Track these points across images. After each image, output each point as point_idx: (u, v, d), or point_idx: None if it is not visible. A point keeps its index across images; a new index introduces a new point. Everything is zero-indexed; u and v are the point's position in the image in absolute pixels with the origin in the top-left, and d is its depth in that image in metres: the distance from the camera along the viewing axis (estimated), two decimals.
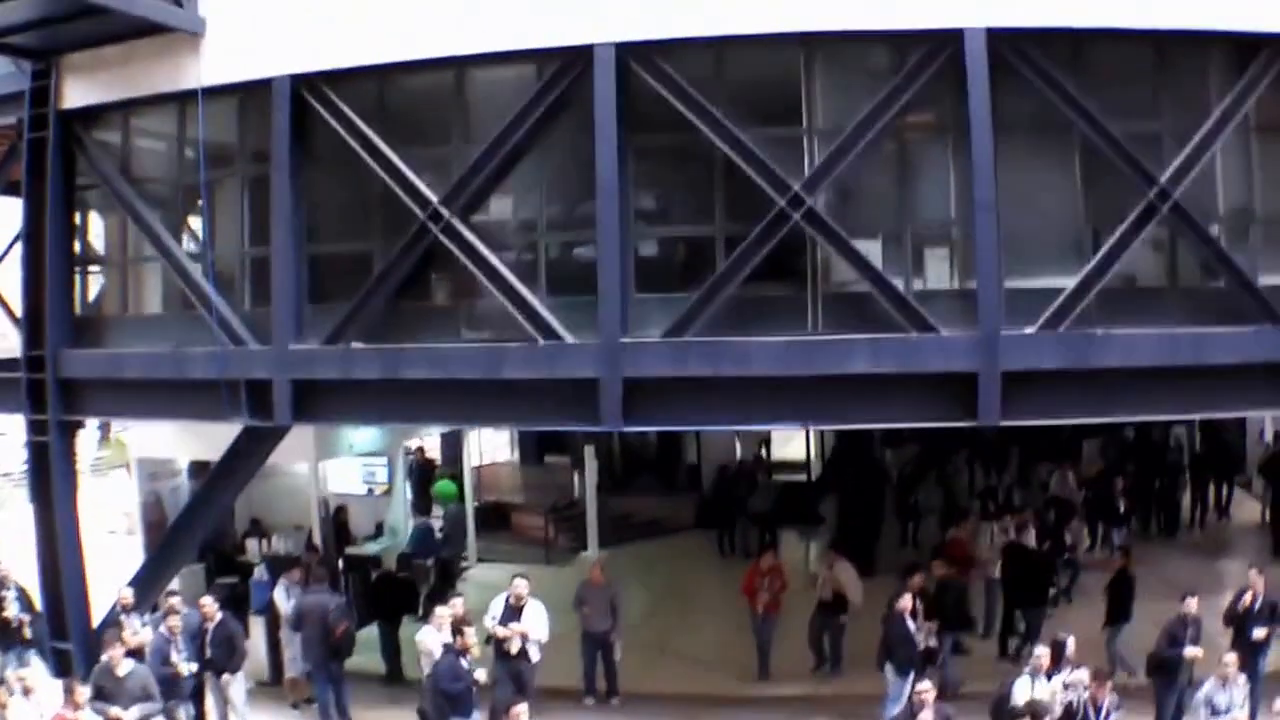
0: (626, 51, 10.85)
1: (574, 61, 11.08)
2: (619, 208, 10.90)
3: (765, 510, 21.27)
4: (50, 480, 14.55)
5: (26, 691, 11.43)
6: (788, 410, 10.91)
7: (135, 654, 12.45)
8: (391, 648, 15.39)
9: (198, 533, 15.19)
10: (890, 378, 10.27)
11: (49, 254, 14.16)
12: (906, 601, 12.60)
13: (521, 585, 12.91)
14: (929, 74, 10.26)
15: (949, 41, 10.14)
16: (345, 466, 20.28)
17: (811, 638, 14.76)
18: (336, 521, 19.14)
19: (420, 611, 15.34)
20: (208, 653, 12.93)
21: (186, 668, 12.55)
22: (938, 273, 11.00)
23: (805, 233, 10.50)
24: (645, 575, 18.28)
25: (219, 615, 13.05)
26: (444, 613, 12.57)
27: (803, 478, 24.17)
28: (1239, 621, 12.34)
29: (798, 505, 21.03)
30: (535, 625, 12.73)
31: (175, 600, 13.31)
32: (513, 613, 12.82)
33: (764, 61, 11.21)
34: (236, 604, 15.91)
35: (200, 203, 13.65)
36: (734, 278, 10.65)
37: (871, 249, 10.71)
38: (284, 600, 14.74)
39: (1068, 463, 21.12)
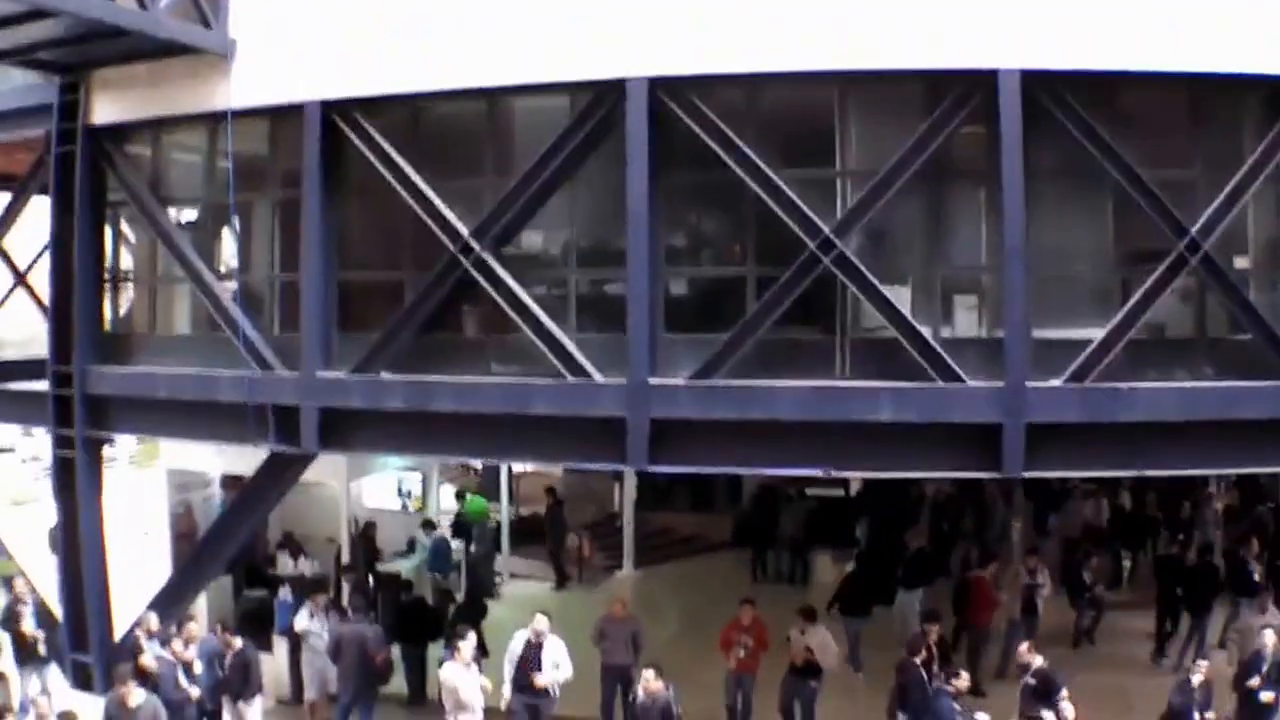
0: (659, 86, 11.39)
1: (607, 95, 11.64)
2: (649, 245, 11.48)
3: (797, 533, 22.09)
4: (74, 494, 15.32)
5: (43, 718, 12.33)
6: (813, 456, 11.44)
7: (150, 678, 13.42)
8: (417, 672, 16.25)
9: (225, 551, 15.81)
10: (915, 426, 10.75)
11: (77, 269, 14.94)
12: (923, 651, 13.34)
13: (542, 622, 13.73)
14: (962, 116, 10.74)
15: (982, 83, 10.57)
16: (381, 481, 21.26)
17: (781, 704, 14.94)
18: (364, 537, 19.96)
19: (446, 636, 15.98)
20: (224, 678, 13.92)
21: (195, 693, 13.53)
22: (966, 321, 11.54)
23: (835, 277, 11.01)
24: (676, 598, 18.92)
25: (237, 643, 14.00)
26: (465, 646, 13.36)
27: (840, 494, 24.54)
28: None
29: (831, 527, 21.59)
30: (559, 670, 13.58)
31: (192, 625, 14.46)
32: (534, 649, 13.60)
33: (797, 100, 11.77)
34: (260, 620, 17.01)
35: (230, 223, 14.47)
36: (764, 321, 11.18)
37: (901, 295, 11.20)
38: (306, 624, 15.66)
39: (1102, 491, 21.89)
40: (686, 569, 22.31)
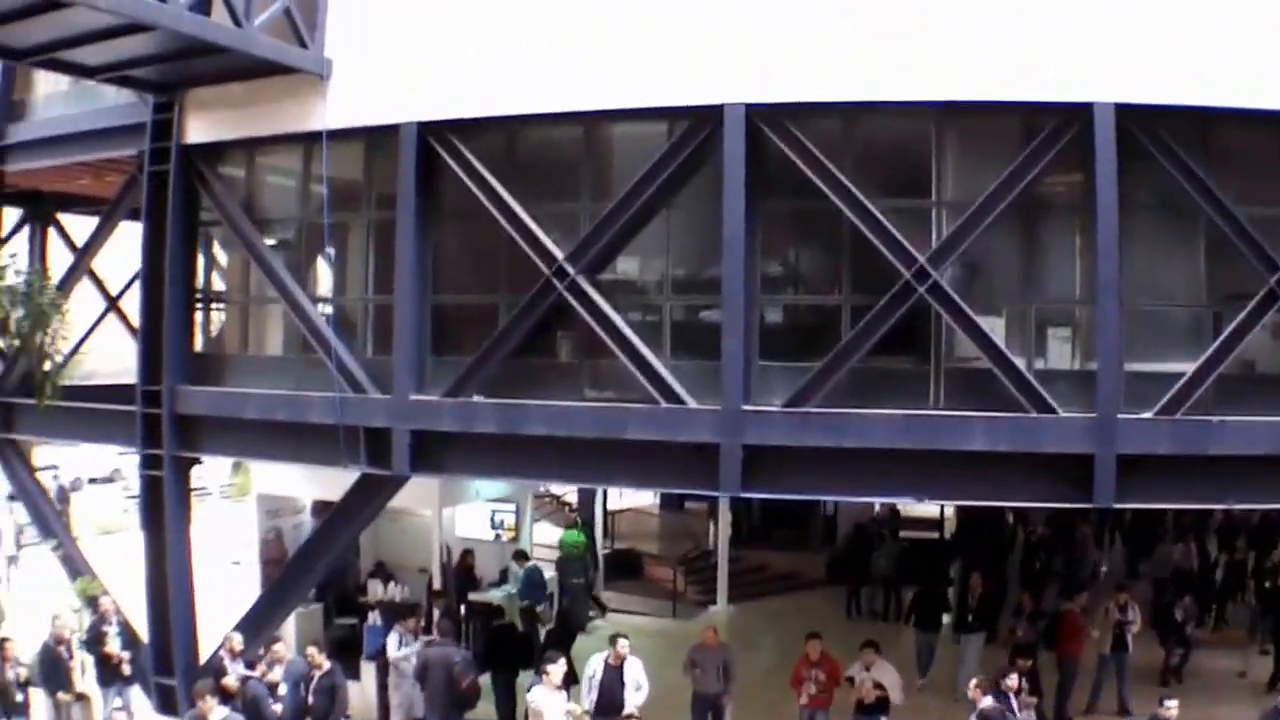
0: (756, 113, 12.56)
1: (704, 121, 12.81)
2: (745, 272, 12.65)
3: (890, 571, 23.49)
4: (162, 514, 16.90)
5: None
6: (906, 484, 12.59)
7: (231, 698, 14.79)
8: (507, 699, 17.61)
9: (313, 575, 17.27)
10: (1007, 456, 11.79)
11: (168, 288, 16.48)
12: (1013, 682, 14.56)
13: (622, 645, 15.08)
14: (1057, 149, 11.81)
15: (1077, 116, 11.64)
16: (473, 511, 22.83)
17: None
18: (462, 566, 21.53)
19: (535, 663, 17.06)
20: (310, 700, 15.10)
21: (278, 710, 14.81)
22: (1059, 352, 12.66)
23: (929, 306, 12.13)
24: (769, 633, 20.17)
25: (325, 664, 15.22)
26: (555, 671, 14.55)
27: (934, 535, 26.18)
28: None
29: (924, 567, 22.70)
30: (640, 692, 15.05)
31: (279, 647, 15.70)
32: (612, 671, 15.16)
33: (893, 129, 12.95)
34: (349, 647, 18.45)
35: (325, 244, 15.79)
36: (858, 349, 12.31)
37: (994, 325, 12.31)
38: (395, 649, 17.05)
39: (1190, 535, 23.49)
40: (780, 605, 23.63)
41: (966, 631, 19.30)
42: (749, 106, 12.66)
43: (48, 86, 19.18)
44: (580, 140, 14.19)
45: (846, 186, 12.40)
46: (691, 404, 12.95)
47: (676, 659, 16.86)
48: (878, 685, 15.69)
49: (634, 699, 15.04)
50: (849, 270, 13.22)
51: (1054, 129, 11.95)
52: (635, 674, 15.23)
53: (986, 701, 14.01)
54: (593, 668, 15.34)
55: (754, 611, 23.07)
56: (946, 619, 20.30)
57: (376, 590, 20.70)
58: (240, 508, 29.85)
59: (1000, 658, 16.96)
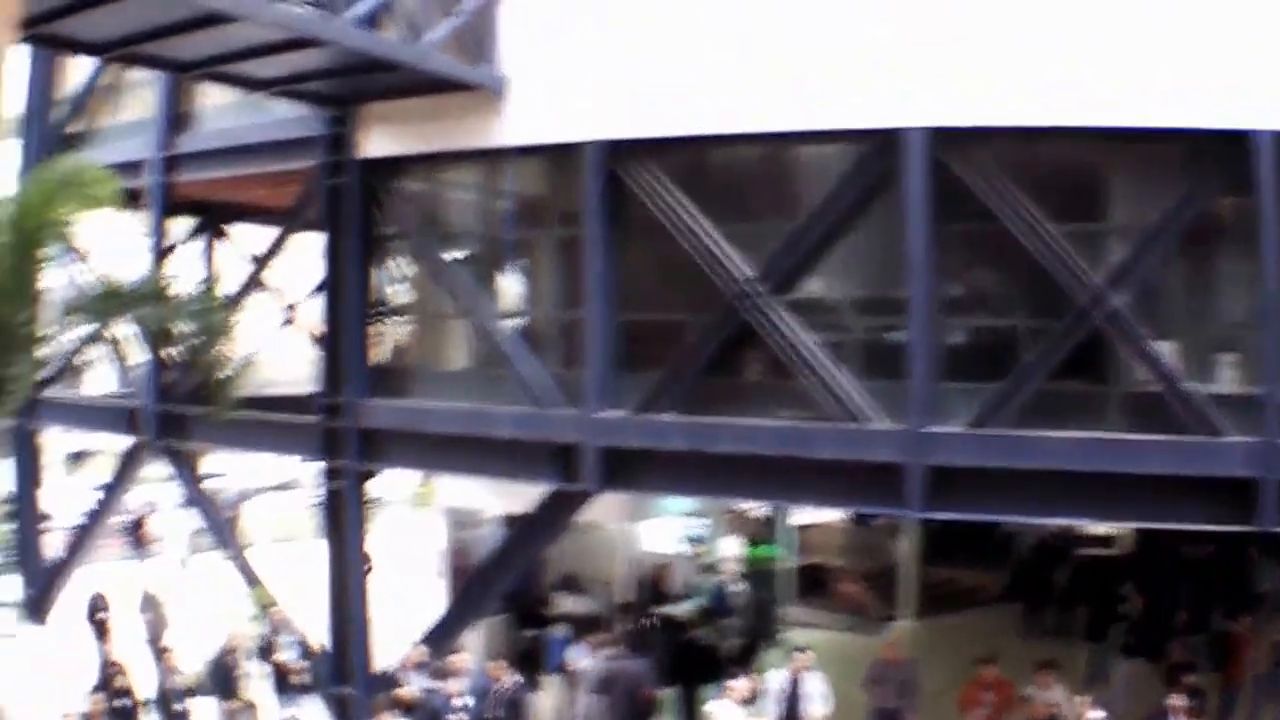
0: (936, 137, 15.24)
1: (886, 144, 15.54)
2: (928, 294, 15.43)
3: (1068, 588, 26.36)
4: (342, 525, 20.57)
5: None
6: (1084, 506, 15.19)
7: (411, 710, 17.95)
8: (687, 712, 20.74)
9: (499, 588, 20.46)
10: (1181, 480, 14.30)
11: (348, 302, 19.92)
12: (1177, 700, 16.77)
13: (803, 658, 18.22)
14: (1222, 176, 14.44)
15: (1239, 141, 14.04)
16: (662, 525, 26.54)
17: None
18: (653, 579, 25.19)
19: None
20: (491, 714, 18.03)
21: None
22: (1229, 376, 15.29)
23: (1104, 330, 14.75)
24: (951, 650, 22.31)
25: (507, 677, 18.29)
26: (738, 686, 17.41)
27: (1108, 552, 28.83)
28: None
29: (1098, 585, 25.04)
30: (820, 705, 17.98)
31: (461, 658, 18.69)
32: (792, 685, 18.05)
33: (1068, 154, 15.82)
34: (533, 659, 21.87)
35: (508, 261, 19.00)
36: (1038, 371, 15.06)
37: (1165, 349, 14.88)
38: (578, 662, 20.16)
39: None
40: (964, 621, 26.56)
41: (1124, 654, 21.71)
42: (929, 130, 15.39)
43: (215, 98, 22.73)
44: (765, 160, 17.41)
45: (1023, 210, 15.08)
46: (876, 424, 15.84)
47: (860, 674, 19.71)
48: (1051, 705, 17.83)
49: (814, 713, 17.96)
50: (1027, 293, 16.18)
51: (1219, 156, 14.50)
52: (815, 688, 18.07)
53: (1093, 715, 16.47)
54: (774, 682, 18.25)
55: (936, 627, 26.01)
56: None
57: (563, 603, 24.29)
58: (426, 517, 34.47)
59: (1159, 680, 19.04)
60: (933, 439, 15.58)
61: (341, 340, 20.54)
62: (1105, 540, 28.71)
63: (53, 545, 29.57)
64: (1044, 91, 15.02)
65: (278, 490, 44.81)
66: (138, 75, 23.96)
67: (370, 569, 22.16)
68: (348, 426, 20.41)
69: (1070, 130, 15.15)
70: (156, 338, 14.76)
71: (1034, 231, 15.17)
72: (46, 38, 17.27)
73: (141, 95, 24.51)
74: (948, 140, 15.45)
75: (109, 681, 19.36)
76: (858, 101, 15.91)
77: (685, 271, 17.40)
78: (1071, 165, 16.22)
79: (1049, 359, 15.30)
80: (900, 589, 27.67)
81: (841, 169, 16.46)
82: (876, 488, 16.08)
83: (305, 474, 42.17)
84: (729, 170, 18.18)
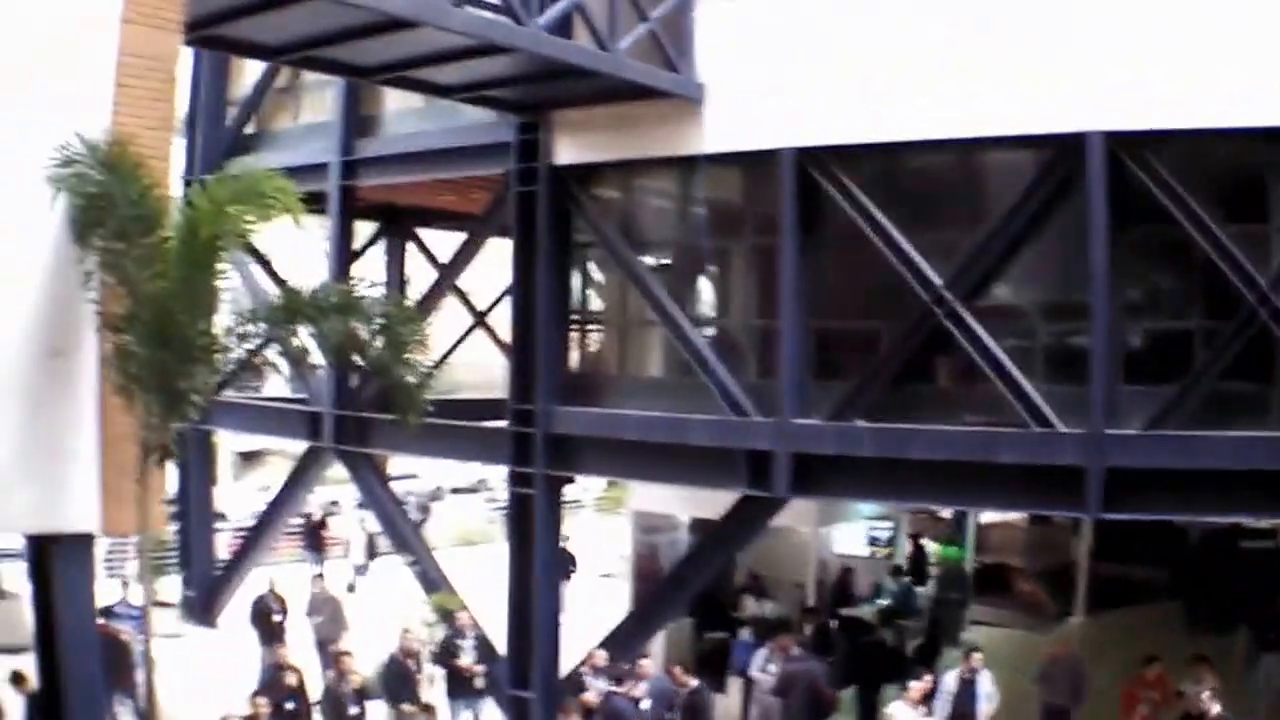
0: (1115, 141, 17.39)
1: (1067, 150, 17.80)
2: (1109, 299, 17.65)
3: (1235, 584, 28.14)
4: (529, 531, 23.48)
5: None
6: (1256, 504, 17.36)
7: (592, 714, 20.13)
8: (868, 713, 23.24)
9: (686, 594, 23.32)
10: None
11: (540, 309, 23.00)
12: None
13: (976, 658, 20.37)
14: None
15: None
16: (851, 528, 29.45)
17: None
18: (840, 582, 28.18)
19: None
20: (671, 718, 20.22)
21: None
22: None
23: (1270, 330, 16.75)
24: (1123, 645, 24.81)
25: (690, 682, 20.48)
26: (916, 688, 19.52)
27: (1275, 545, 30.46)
28: None
29: (1264, 580, 27.01)
30: (990, 703, 20.21)
31: (645, 662, 21.06)
32: (964, 684, 20.28)
33: (1236, 155, 17.94)
34: (718, 662, 24.45)
35: (704, 268, 21.59)
36: (1212, 372, 17.24)
37: None
38: (759, 666, 22.58)
39: None
40: (1138, 617, 28.48)
41: (1262, 647, 23.80)
42: (1107, 135, 17.57)
43: (399, 102, 25.73)
44: (954, 167, 20.01)
45: (1196, 212, 17.18)
46: (1061, 428, 18.02)
47: (1034, 670, 22.19)
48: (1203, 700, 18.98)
49: (984, 711, 20.21)
50: (1201, 294, 18.40)
51: None
52: (986, 686, 20.29)
53: (1217, 710, 18.22)
54: (947, 683, 20.44)
55: (1109, 623, 28.04)
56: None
57: (749, 606, 27.13)
58: (613, 521, 38.29)
59: None
60: (1112, 441, 17.77)
61: (533, 347, 23.35)
62: (1270, 534, 30.41)
63: (224, 546, 33.09)
64: (1219, 94, 17.05)
65: (470, 492, 48.24)
66: (316, 77, 27.01)
67: (574, 571, 24.98)
68: (538, 433, 23.19)
69: (1244, 131, 17.17)
70: (340, 346, 16.35)
71: (1208, 233, 17.29)
72: (218, 40, 19.61)
73: (320, 97, 27.79)
74: (1126, 144, 17.65)
75: (275, 684, 20.92)
76: (1041, 107, 18.12)
77: (876, 278, 20.05)
78: (1241, 166, 18.38)
79: (1220, 359, 17.46)
80: (1074, 586, 29.88)
81: (1027, 175, 18.75)
82: (1057, 490, 18.41)
83: (493, 477, 45.74)
84: (916, 177, 20.66)
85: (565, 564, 33.47)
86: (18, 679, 19.11)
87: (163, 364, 14.07)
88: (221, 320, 15.82)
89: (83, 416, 14.46)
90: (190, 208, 14.60)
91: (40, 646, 15.73)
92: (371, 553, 37.30)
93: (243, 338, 15.88)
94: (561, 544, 32.35)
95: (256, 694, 19.97)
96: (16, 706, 19.15)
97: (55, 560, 14.91)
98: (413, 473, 48.82)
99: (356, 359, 18.19)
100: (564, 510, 25.54)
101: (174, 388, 14.26)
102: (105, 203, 13.66)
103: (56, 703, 15.32)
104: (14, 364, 13.85)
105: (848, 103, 19.72)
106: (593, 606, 27.20)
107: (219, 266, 15.29)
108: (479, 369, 31.99)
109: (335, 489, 41.39)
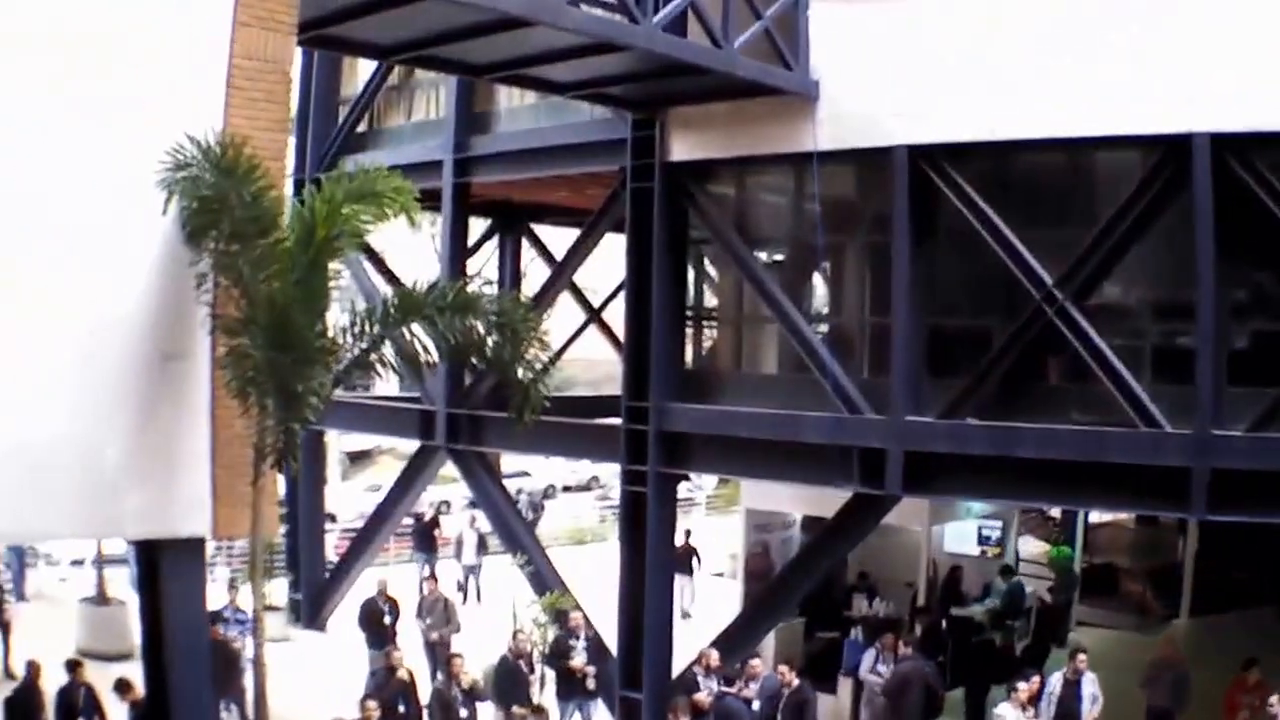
0: (1220, 143, 17.52)
1: (1175, 150, 17.96)
2: (1215, 300, 17.76)
3: None
4: (642, 529, 23.82)
5: None
6: None
7: (703, 715, 20.51)
8: (976, 713, 23.57)
9: (798, 592, 23.68)
10: None
11: (654, 306, 23.35)
12: None
13: (1082, 660, 20.56)
14: None
15: None
16: (962, 527, 29.55)
17: None
18: (950, 580, 28.37)
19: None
20: (779, 717, 20.57)
21: None
22: None
23: None
24: (1227, 648, 24.68)
25: (795, 681, 20.74)
26: (1024, 689, 19.55)
27: None
28: None
29: None
30: (1095, 705, 20.43)
31: (755, 662, 21.44)
32: (1070, 686, 20.45)
33: None
34: (828, 661, 24.71)
35: (818, 266, 22.02)
36: None
37: None
38: (869, 667, 22.87)
39: None
40: (1244, 620, 28.62)
41: None
42: (1213, 136, 17.69)
43: (512, 99, 26.20)
44: (1064, 166, 20.25)
45: None
46: (1168, 428, 18.18)
47: (1139, 673, 22.42)
48: None
49: (1089, 713, 20.38)
50: None
51: None
52: (1090, 688, 20.46)
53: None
54: (1052, 684, 20.62)
55: (1214, 626, 28.29)
56: None
57: (860, 605, 27.32)
58: (725, 520, 38.77)
59: None
60: (1218, 443, 17.88)
61: (647, 344, 23.73)
62: None
63: (332, 548, 33.43)
64: None
65: (582, 490, 48.72)
66: (428, 74, 27.49)
67: (700, 567, 24.93)
68: (651, 430, 23.59)
69: None
70: (458, 345, 16.42)
71: None
72: (331, 40, 20.12)
73: (433, 95, 28.32)
74: (1232, 145, 17.75)
75: (386, 685, 21.29)
76: (1148, 108, 18.31)
77: (986, 277, 20.37)
78: None
79: None
80: (1180, 587, 30.08)
81: (1136, 175, 18.97)
82: (1163, 491, 18.70)
83: (605, 474, 46.89)
84: (1028, 176, 20.97)
85: (689, 560, 34.38)
86: (123, 687, 19.59)
87: (280, 366, 14.23)
88: (338, 320, 16.00)
89: (194, 419, 14.69)
90: (306, 208, 14.82)
91: (148, 654, 15.87)
92: (482, 552, 37.24)
93: (359, 338, 15.91)
94: (686, 540, 33.53)
95: (366, 698, 20.25)
96: (121, 715, 19.68)
97: (164, 565, 15.07)
98: (524, 470, 49.28)
99: (473, 358, 18.26)
100: (677, 509, 25.72)
101: (292, 390, 14.42)
102: (219, 205, 13.85)
103: (163, 712, 15.55)
104: (125, 367, 14.06)
105: (960, 101, 19.98)
106: (704, 605, 27.20)
107: (335, 267, 15.47)
108: (592, 364, 32.22)
109: (445, 488, 41.75)
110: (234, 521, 14.97)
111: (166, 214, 13.89)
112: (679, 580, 32.73)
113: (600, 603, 25.53)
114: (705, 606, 30.04)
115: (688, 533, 35.98)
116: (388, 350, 16.34)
